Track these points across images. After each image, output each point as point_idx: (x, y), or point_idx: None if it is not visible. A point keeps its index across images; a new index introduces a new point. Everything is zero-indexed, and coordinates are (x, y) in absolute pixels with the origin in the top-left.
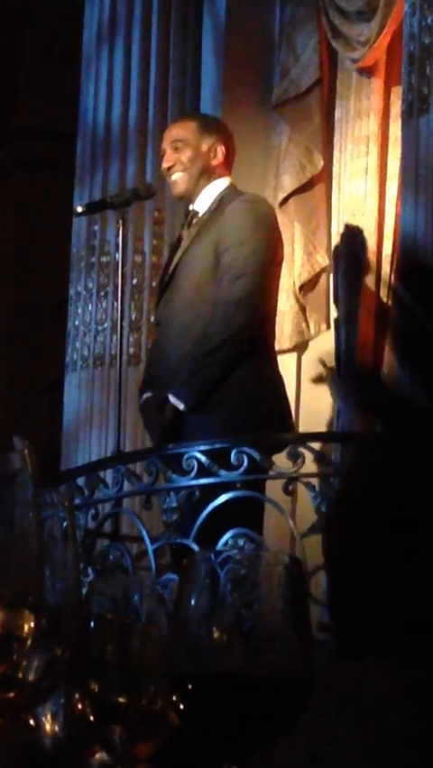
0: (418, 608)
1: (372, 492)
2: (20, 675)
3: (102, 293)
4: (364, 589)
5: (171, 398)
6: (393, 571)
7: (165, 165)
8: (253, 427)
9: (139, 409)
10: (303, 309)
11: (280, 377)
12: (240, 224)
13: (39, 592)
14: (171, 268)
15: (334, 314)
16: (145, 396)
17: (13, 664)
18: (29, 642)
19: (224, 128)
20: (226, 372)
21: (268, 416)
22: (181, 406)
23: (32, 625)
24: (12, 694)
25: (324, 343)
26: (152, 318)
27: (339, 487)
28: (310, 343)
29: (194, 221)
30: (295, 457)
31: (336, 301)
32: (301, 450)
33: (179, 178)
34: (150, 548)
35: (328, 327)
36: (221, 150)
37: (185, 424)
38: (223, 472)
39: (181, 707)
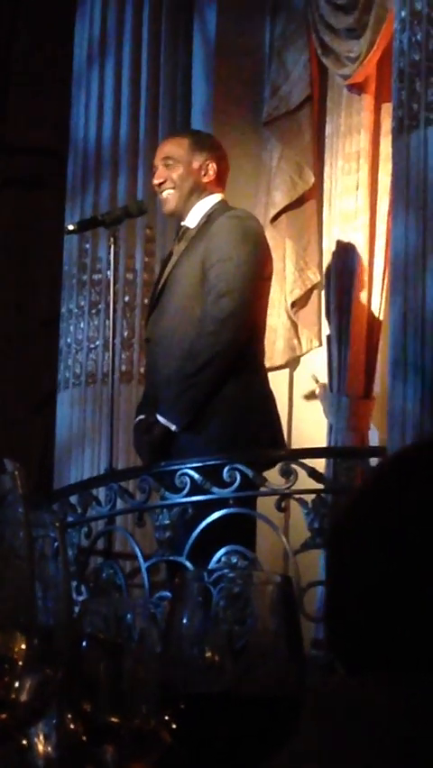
0: (416, 630)
1: (378, 511)
2: (12, 696)
3: (94, 310)
4: (362, 608)
5: (161, 419)
6: (392, 592)
7: (156, 181)
8: (244, 443)
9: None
10: (295, 326)
11: (271, 392)
12: (226, 239)
13: (30, 613)
14: (161, 283)
15: (326, 330)
16: (138, 418)
17: (5, 686)
18: (21, 663)
19: (216, 145)
20: (214, 390)
21: (258, 432)
22: (173, 427)
23: (24, 646)
24: (4, 715)
25: (316, 360)
26: (144, 334)
27: (345, 501)
28: (302, 360)
29: (184, 236)
30: (288, 473)
31: (327, 317)
32: (294, 466)
33: (169, 196)
34: (143, 565)
35: (320, 343)
36: (212, 167)
37: (175, 442)
38: (215, 489)
39: (174, 726)
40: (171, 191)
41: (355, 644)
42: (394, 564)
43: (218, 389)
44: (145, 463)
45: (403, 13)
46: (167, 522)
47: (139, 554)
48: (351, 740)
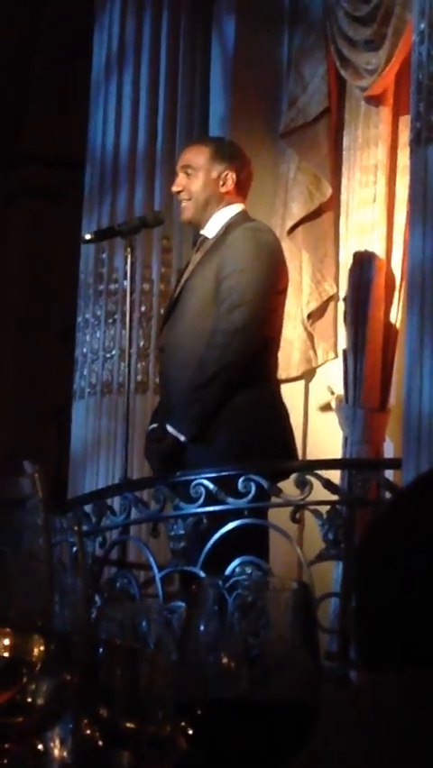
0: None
1: (402, 526)
2: (29, 699)
3: (110, 320)
4: (380, 614)
5: (170, 429)
6: (410, 604)
7: (174, 189)
8: (253, 455)
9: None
10: (311, 337)
11: (282, 403)
12: (240, 251)
13: (48, 617)
14: (177, 293)
15: (342, 342)
16: (151, 427)
17: (22, 688)
18: (38, 666)
19: (238, 154)
20: (223, 402)
21: (267, 444)
22: (182, 438)
23: (42, 649)
24: (20, 719)
25: (331, 371)
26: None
27: (374, 515)
28: (318, 371)
29: (202, 245)
30: (303, 484)
31: (344, 329)
32: (309, 477)
33: (185, 206)
34: (157, 575)
35: (336, 355)
36: (231, 177)
37: (186, 453)
38: (230, 500)
39: (190, 732)
40: (187, 202)
41: (376, 646)
42: (413, 579)
43: (227, 401)
44: (155, 472)
45: (422, 26)
46: (181, 532)
47: (153, 564)
48: (364, 742)
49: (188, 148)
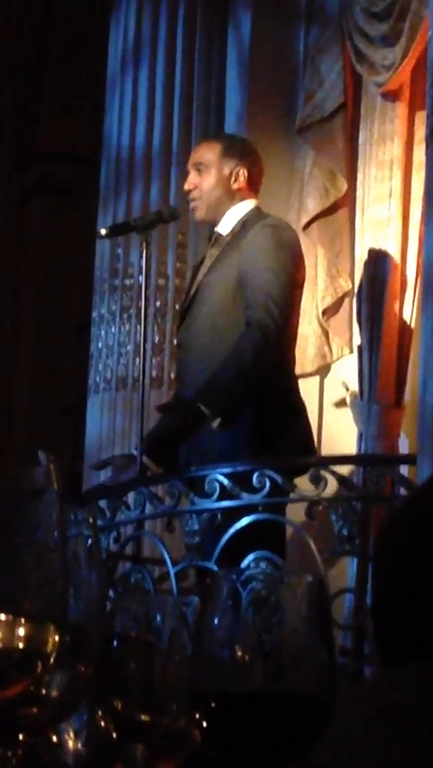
0: None
1: (418, 523)
2: (43, 691)
3: (125, 316)
4: (397, 610)
5: (201, 407)
6: (424, 601)
7: (186, 187)
8: (272, 449)
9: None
10: (326, 333)
11: (300, 398)
12: (262, 249)
13: (63, 608)
14: (194, 289)
15: (357, 338)
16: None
17: (37, 679)
18: (52, 657)
19: (249, 150)
20: (252, 393)
21: (287, 438)
22: (207, 412)
23: (56, 640)
24: (34, 710)
25: (346, 367)
26: (175, 340)
27: (392, 510)
28: (333, 367)
29: (217, 241)
30: (318, 480)
31: (358, 325)
32: (324, 473)
33: (197, 205)
34: (171, 571)
35: (351, 351)
36: (243, 173)
37: (204, 444)
38: (245, 495)
39: (204, 724)
40: (198, 200)
41: (394, 642)
42: (430, 575)
43: (256, 394)
44: (151, 442)
45: None
46: (196, 527)
47: (168, 560)
48: (380, 738)
49: (198, 145)
